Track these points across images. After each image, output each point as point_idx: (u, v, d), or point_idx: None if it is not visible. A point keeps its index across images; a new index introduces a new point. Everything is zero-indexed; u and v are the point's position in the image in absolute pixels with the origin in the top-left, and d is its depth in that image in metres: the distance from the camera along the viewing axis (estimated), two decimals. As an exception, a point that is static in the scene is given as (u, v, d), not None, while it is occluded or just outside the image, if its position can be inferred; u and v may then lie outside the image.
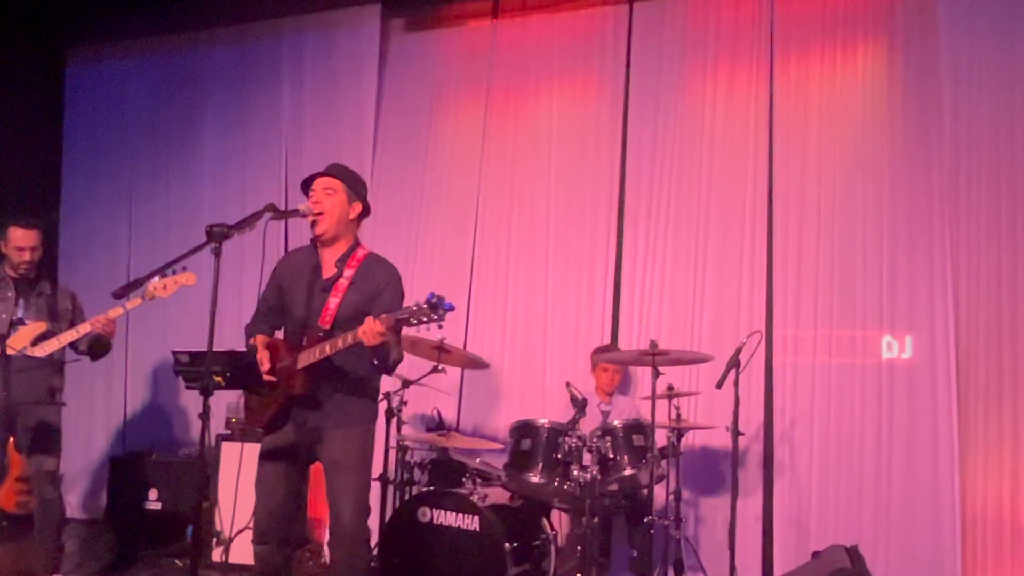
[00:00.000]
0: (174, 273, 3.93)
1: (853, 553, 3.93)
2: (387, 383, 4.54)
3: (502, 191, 5.41)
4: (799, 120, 4.86)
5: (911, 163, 4.63)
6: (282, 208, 3.18)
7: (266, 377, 3.06)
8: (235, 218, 2.85)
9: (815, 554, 4.24)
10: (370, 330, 2.87)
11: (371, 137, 5.67)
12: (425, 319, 2.79)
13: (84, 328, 4.04)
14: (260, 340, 3.22)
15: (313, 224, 3.20)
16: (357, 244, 3.29)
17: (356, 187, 3.30)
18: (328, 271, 3.21)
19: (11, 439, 4.22)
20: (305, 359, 3.07)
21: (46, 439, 4.15)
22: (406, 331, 5.04)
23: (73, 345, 4.13)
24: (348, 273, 3.17)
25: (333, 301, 3.14)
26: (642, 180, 5.11)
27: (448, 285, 5.40)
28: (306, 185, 3.32)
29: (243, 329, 3.37)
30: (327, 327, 3.08)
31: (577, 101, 5.34)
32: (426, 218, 5.54)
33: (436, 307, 2.77)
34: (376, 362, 3.08)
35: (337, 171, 3.29)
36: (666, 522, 4.22)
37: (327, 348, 3.02)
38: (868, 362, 4.60)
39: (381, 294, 3.17)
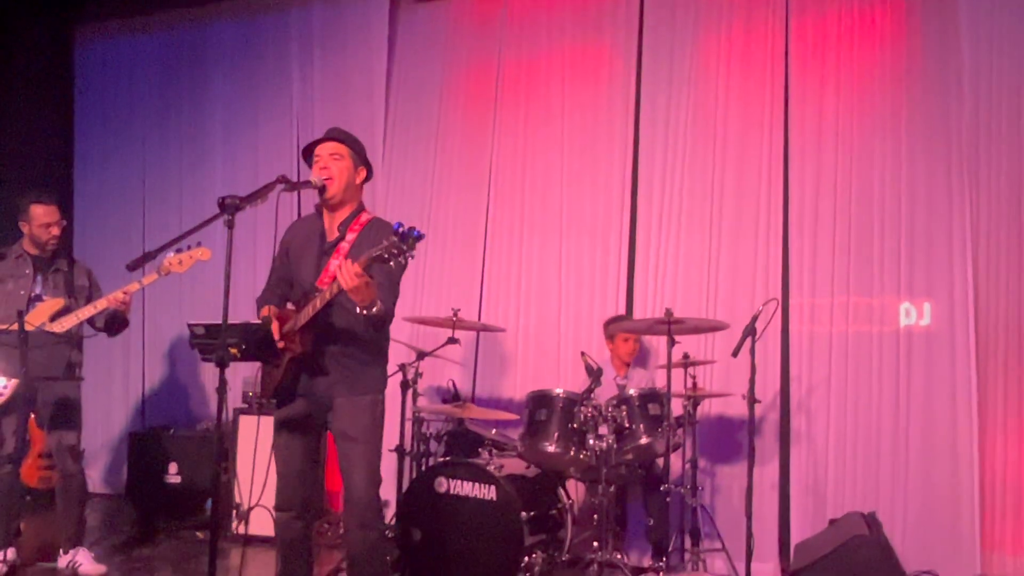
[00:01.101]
0: (189, 248, 3.95)
1: (871, 520, 3.92)
2: (402, 354, 4.57)
3: (514, 160, 5.36)
4: (815, 84, 4.78)
5: (930, 127, 4.55)
6: (293, 180, 3.17)
7: (279, 346, 3.06)
8: (247, 191, 2.83)
9: (832, 521, 4.23)
10: (346, 270, 2.82)
11: (382, 108, 5.63)
12: (396, 251, 2.75)
13: (101, 304, 4.06)
14: (270, 311, 3.24)
15: (322, 190, 3.19)
16: (361, 208, 3.29)
17: (360, 151, 3.31)
18: (331, 235, 3.22)
19: (32, 415, 4.27)
20: (303, 317, 3.07)
21: (66, 414, 4.19)
22: (424, 311, 5.04)
23: (91, 321, 4.15)
24: (350, 236, 3.16)
25: (333, 263, 3.13)
26: (656, 147, 5.05)
27: (461, 256, 5.40)
28: (308, 152, 3.33)
29: (255, 303, 3.39)
30: (324, 288, 3.05)
31: (589, 68, 5.27)
32: (439, 189, 5.50)
33: (406, 237, 2.73)
34: (363, 313, 2.98)
35: (342, 135, 3.29)
36: (682, 490, 4.22)
37: (317, 302, 3.01)
38: (886, 329, 4.56)
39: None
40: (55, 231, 4.25)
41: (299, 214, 5.57)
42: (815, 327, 4.67)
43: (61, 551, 4.24)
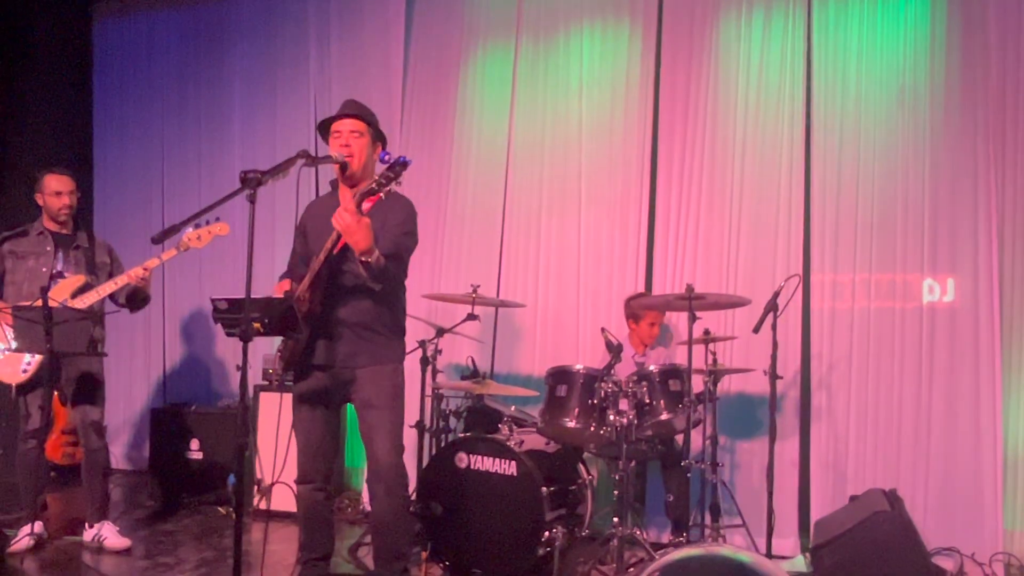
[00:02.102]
0: (207, 223, 3.97)
1: (892, 496, 3.91)
2: (421, 331, 4.57)
3: (533, 138, 5.32)
4: (838, 58, 4.71)
5: (955, 101, 4.48)
6: (313, 155, 3.18)
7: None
8: (265, 167, 2.84)
9: (853, 498, 4.22)
10: (339, 211, 2.93)
11: (400, 86, 5.60)
12: (384, 181, 2.86)
13: (121, 280, 4.09)
14: (283, 283, 3.27)
15: (344, 167, 3.21)
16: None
17: (378, 126, 3.34)
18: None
19: (55, 392, 4.31)
20: (308, 276, 3.12)
21: (89, 390, 4.23)
22: (443, 289, 5.03)
23: (112, 297, 4.18)
24: (365, 207, 3.16)
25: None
26: (675, 123, 5.00)
27: (480, 233, 5.38)
28: (324, 126, 3.34)
29: (276, 279, 3.41)
30: (336, 254, 3.11)
31: (609, 45, 5.21)
32: (457, 166, 5.48)
33: (393, 165, 2.84)
34: (363, 261, 3.00)
35: (362, 112, 3.32)
36: (702, 466, 4.22)
37: (321, 256, 3.08)
38: (908, 306, 4.52)
39: (390, 220, 3.19)
40: (66, 200, 4.26)
41: (316, 189, 5.57)
42: (837, 303, 4.63)
43: (86, 525, 4.30)
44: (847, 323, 4.61)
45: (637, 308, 4.64)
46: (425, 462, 4.39)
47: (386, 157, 2.83)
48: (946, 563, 4.11)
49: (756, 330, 4.08)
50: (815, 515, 4.46)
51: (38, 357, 4.02)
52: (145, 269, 4.05)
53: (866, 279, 4.59)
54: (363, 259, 2.99)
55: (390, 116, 5.50)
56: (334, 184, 3.40)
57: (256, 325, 2.79)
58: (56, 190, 4.24)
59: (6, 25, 5.98)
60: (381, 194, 2.93)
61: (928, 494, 4.39)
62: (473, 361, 4.78)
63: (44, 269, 4.22)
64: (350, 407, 3.41)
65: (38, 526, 4.21)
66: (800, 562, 4.32)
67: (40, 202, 4.30)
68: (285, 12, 6.02)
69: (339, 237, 3.02)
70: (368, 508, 4.83)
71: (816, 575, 3.76)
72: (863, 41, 4.68)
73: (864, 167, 4.63)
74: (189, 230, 4.00)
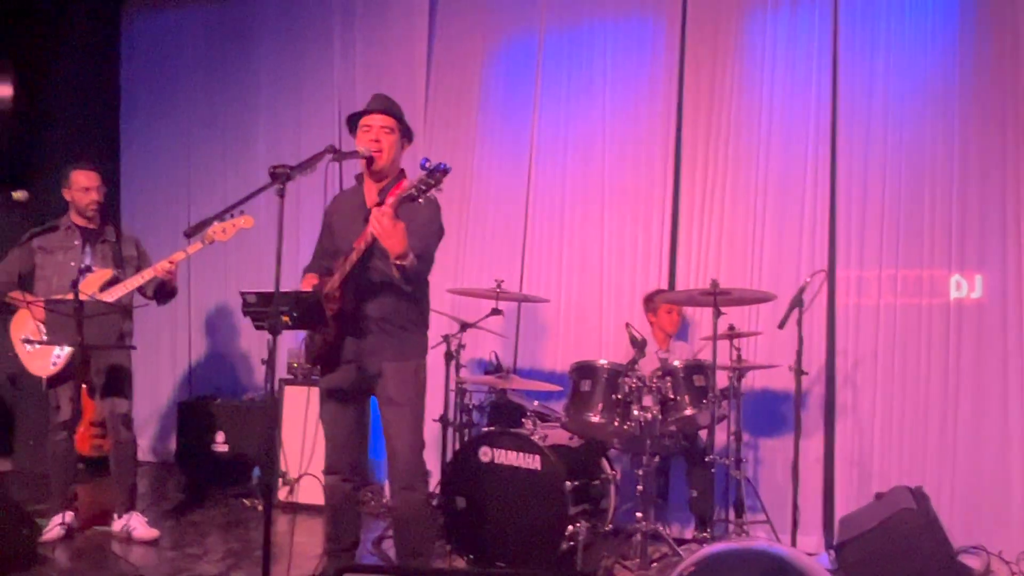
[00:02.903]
0: (232, 216, 3.99)
1: (918, 494, 3.88)
2: (445, 325, 4.59)
3: (556, 132, 5.33)
4: (865, 52, 4.67)
5: (984, 95, 4.42)
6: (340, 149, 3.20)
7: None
8: (290, 161, 2.87)
9: (878, 495, 4.19)
10: (376, 216, 2.91)
11: (423, 80, 5.62)
12: (425, 187, 2.85)
13: (148, 274, 4.14)
14: (310, 277, 3.29)
15: (371, 161, 3.23)
16: (402, 175, 3.35)
17: (406, 123, 3.36)
18: (371, 202, 3.27)
19: (84, 384, 4.37)
20: (339, 275, 3.15)
21: (118, 382, 4.28)
22: (466, 283, 5.04)
23: (140, 290, 4.23)
24: (390, 201, 3.17)
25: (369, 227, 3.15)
26: (699, 117, 4.99)
27: (503, 228, 5.39)
28: (352, 119, 3.35)
29: (300, 272, 3.44)
30: (359, 247, 3.13)
31: (632, 40, 5.20)
32: (480, 160, 5.49)
33: (432, 172, 2.82)
34: (396, 263, 3.01)
35: (392, 108, 3.33)
36: (726, 462, 4.21)
37: (353, 256, 3.09)
38: (935, 302, 4.48)
39: (416, 219, 3.16)
40: (94, 196, 4.31)
41: (340, 183, 5.59)
42: (863, 299, 4.60)
43: (115, 515, 4.36)
44: (873, 319, 4.57)
45: (656, 302, 4.64)
46: (449, 456, 4.40)
47: (427, 163, 2.81)
48: (972, 562, 4.07)
49: (781, 326, 4.06)
50: (840, 512, 4.44)
51: (68, 350, 4.07)
52: (171, 262, 4.09)
53: (892, 275, 4.55)
54: (397, 262, 3.01)
55: (414, 111, 5.51)
56: (359, 178, 3.42)
57: (284, 319, 2.82)
58: (84, 186, 4.29)
59: (36, 21, 6.05)
60: (421, 200, 2.93)
61: (954, 492, 4.35)
62: (496, 356, 4.79)
63: (72, 264, 4.27)
64: (374, 400, 3.44)
65: (69, 516, 4.27)
66: (824, 559, 4.30)
67: (68, 197, 4.35)
68: (310, 8, 6.06)
69: (373, 238, 3.01)
70: (390, 502, 4.89)
71: (841, 572, 3.74)
72: (891, 35, 4.64)
73: (891, 162, 4.59)
74: (215, 223, 4.03)
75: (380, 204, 3.20)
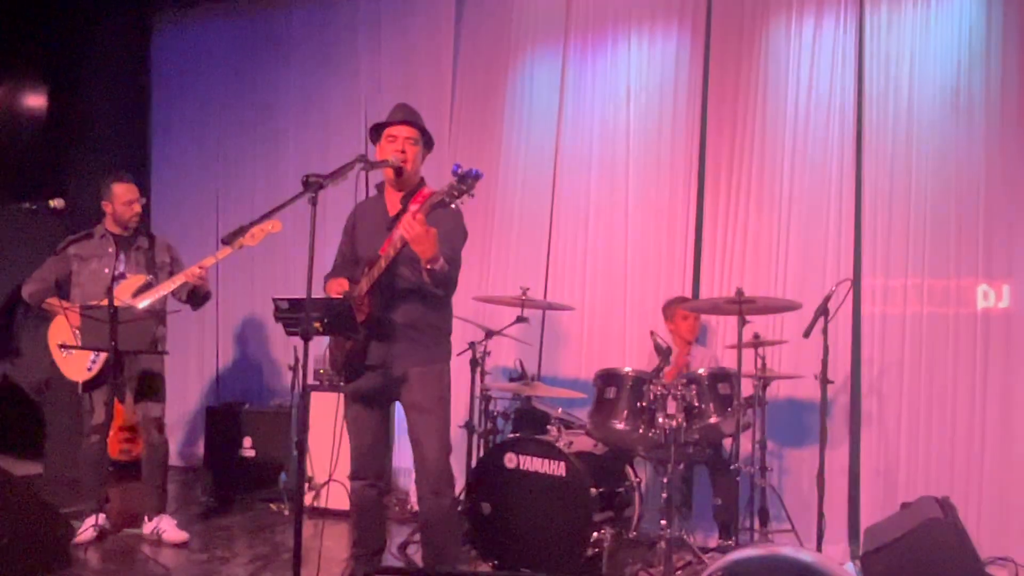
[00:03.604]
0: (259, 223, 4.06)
1: (945, 504, 3.85)
2: (470, 333, 4.63)
3: (581, 140, 5.37)
4: (891, 61, 4.68)
5: (1012, 104, 4.41)
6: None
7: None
8: (317, 169, 2.94)
9: (904, 505, 4.17)
10: (408, 221, 2.96)
11: (449, 88, 5.69)
12: (457, 193, 2.89)
13: (179, 279, 4.21)
14: (336, 283, 3.34)
15: (399, 171, 3.28)
16: (422, 183, 3.42)
17: (428, 132, 3.42)
18: (394, 209, 3.35)
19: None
20: (366, 281, 3.20)
21: (151, 387, 4.36)
22: (491, 292, 5.08)
23: (175, 295, 4.31)
24: (412, 208, 3.24)
25: (396, 233, 3.20)
26: (724, 126, 5.01)
27: (528, 236, 5.43)
28: (376, 129, 3.40)
29: (323, 279, 3.49)
30: (382, 254, 3.20)
31: (657, 49, 5.24)
32: (505, 169, 5.55)
33: (464, 177, 2.87)
34: (427, 268, 3.08)
35: (417, 120, 3.40)
36: (751, 471, 4.20)
37: (382, 263, 3.14)
38: (962, 312, 4.46)
39: (441, 227, 3.20)
40: (136, 208, 4.41)
41: (367, 191, 5.65)
42: (888, 308, 4.59)
43: (145, 518, 4.43)
44: (899, 329, 4.56)
45: (672, 310, 4.66)
46: (474, 462, 4.44)
47: (459, 169, 2.86)
48: (1000, 573, 4.05)
49: (807, 334, 4.06)
50: (865, 522, 4.42)
51: (103, 355, 4.15)
52: (201, 268, 4.16)
53: (919, 284, 4.54)
54: (428, 266, 3.06)
55: (439, 120, 5.60)
56: (380, 187, 3.48)
57: (316, 324, 2.88)
58: (127, 199, 4.38)
59: (69, 34, 6.19)
60: (453, 205, 2.97)
61: (982, 502, 4.32)
62: (521, 363, 4.82)
63: (107, 270, 4.35)
64: (398, 406, 3.48)
65: (101, 518, 4.34)
66: (850, 569, 4.28)
67: (108, 209, 4.43)
68: (337, 21, 6.15)
69: (400, 245, 3.06)
70: (415, 507, 4.92)
71: (867, 582, 3.72)
72: (916, 44, 4.65)
73: (917, 171, 4.58)
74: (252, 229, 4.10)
75: (403, 210, 3.28)
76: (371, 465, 3.42)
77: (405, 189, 3.37)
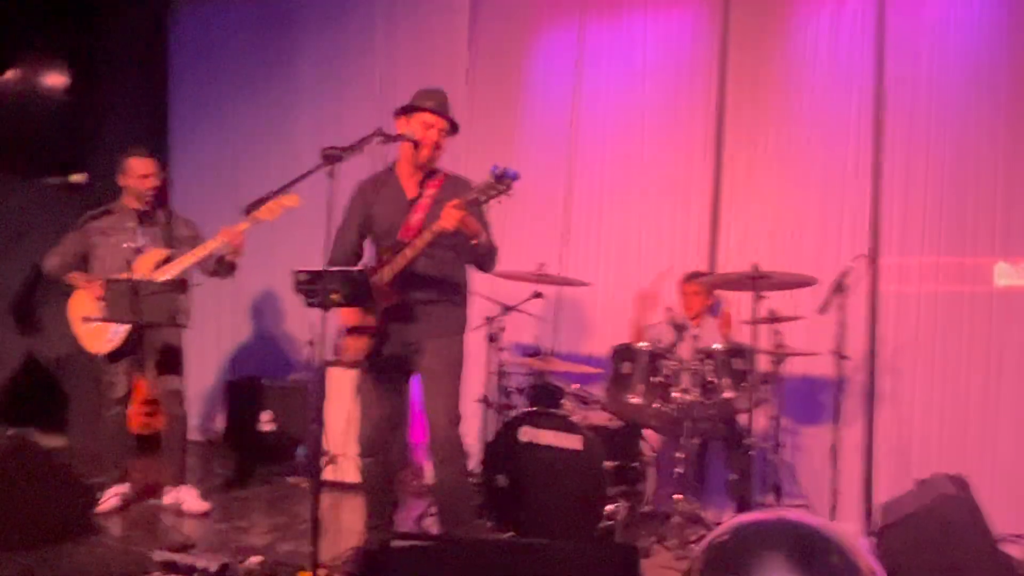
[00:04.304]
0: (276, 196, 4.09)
1: (959, 481, 3.86)
2: (486, 308, 4.66)
3: (596, 119, 5.35)
4: (911, 37, 4.63)
5: (1032, 78, 4.38)
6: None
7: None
8: (334, 145, 2.96)
9: (919, 481, 4.18)
10: (447, 213, 3.03)
11: (464, 68, 5.68)
12: (494, 192, 2.96)
13: (200, 251, 4.22)
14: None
15: (416, 145, 3.34)
16: (437, 167, 3.50)
17: (456, 124, 3.50)
18: (411, 192, 3.41)
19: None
20: (390, 270, 3.24)
21: (172, 360, 4.42)
22: (507, 266, 5.11)
23: (202, 267, 4.35)
24: (430, 192, 3.35)
25: (415, 217, 3.33)
26: (742, 103, 4.98)
27: (543, 214, 5.44)
28: (408, 110, 3.42)
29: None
30: (407, 240, 3.26)
31: (674, 25, 5.21)
32: (520, 148, 5.54)
33: (502, 177, 2.92)
34: (476, 250, 3.23)
35: (448, 111, 3.45)
36: (765, 446, 4.22)
37: (407, 252, 3.20)
38: (979, 290, 4.44)
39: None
40: (152, 182, 4.42)
41: (383, 163, 5.66)
42: (905, 286, 4.58)
43: (166, 489, 4.51)
44: (915, 306, 4.55)
45: (683, 286, 4.66)
46: (490, 436, 4.48)
47: (496, 170, 2.91)
48: (1013, 550, 4.04)
49: (823, 311, 4.06)
50: (879, 499, 4.43)
51: (124, 327, 4.21)
52: (237, 231, 4.16)
53: (935, 262, 4.53)
54: (475, 242, 3.21)
55: (455, 96, 5.53)
56: (392, 167, 3.50)
57: (335, 296, 2.92)
58: (142, 173, 4.41)
59: (88, 13, 6.21)
60: (443, 177, 3.00)
61: (995, 480, 4.32)
62: (537, 339, 4.85)
63: (126, 245, 4.39)
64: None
65: (123, 489, 4.43)
66: (858, 540, 4.30)
67: (123, 184, 4.47)
68: (353, 1, 6.14)
69: (431, 237, 3.13)
70: (430, 481, 4.97)
71: (880, 558, 3.74)
72: (937, 19, 4.59)
73: (935, 147, 4.55)
74: (270, 201, 4.14)
75: (420, 195, 3.38)
76: (382, 441, 3.46)
77: (422, 172, 3.41)
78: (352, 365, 4.23)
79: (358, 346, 3.38)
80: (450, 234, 3.11)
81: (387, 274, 3.26)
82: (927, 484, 4.03)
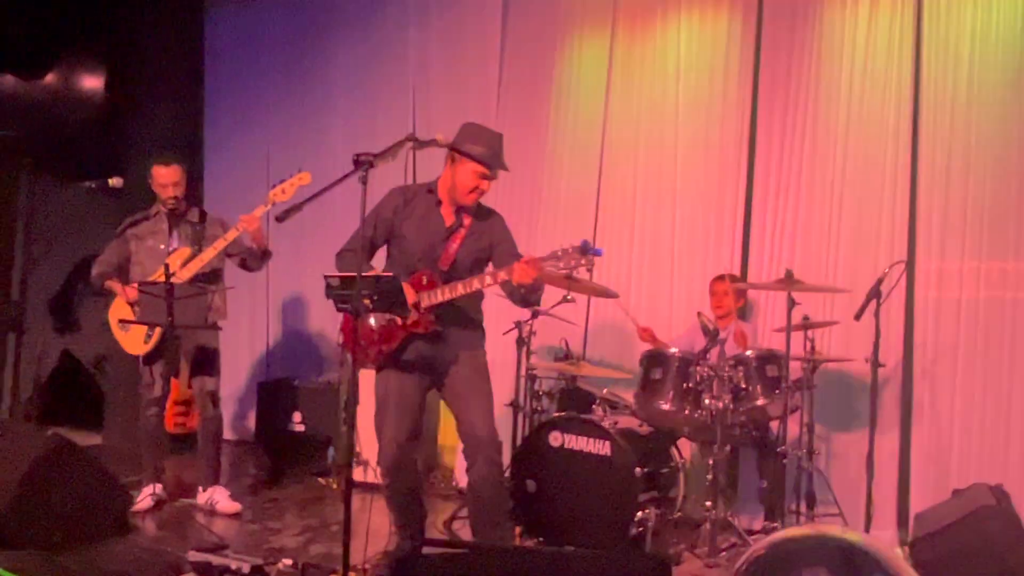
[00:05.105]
0: (289, 177, 4.22)
1: (998, 492, 3.78)
2: (516, 312, 4.65)
3: (628, 124, 5.32)
4: (950, 39, 4.54)
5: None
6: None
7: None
8: (365, 148, 3.00)
9: (956, 491, 4.10)
10: (522, 271, 3.14)
11: (497, 68, 5.68)
12: (574, 263, 3.06)
13: (219, 244, 4.26)
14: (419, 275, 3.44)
15: (468, 202, 3.45)
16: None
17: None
18: (448, 219, 3.47)
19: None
20: (430, 299, 3.31)
21: (207, 361, 4.48)
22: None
23: (230, 257, 4.40)
24: (466, 222, 3.46)
25: (453, 246, 3.42)
26: (775, 107, 4.92)
27: (574, 219, 5.42)
28: (459, 151, 3.42)
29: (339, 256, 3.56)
30: (446, 269, 3.39)
31: (707, 28, 5.16)
32: (551, 153, 5.52)
33: (585, 251, 3.04)
34: (526, 299, 3.38)
35: (500, 160, 3.47)
36: (798, 454, 4.17)
37: (459, 288, 3.28)
38: (1020, 296, 4.35)
39: (503, 241, 3.51)
40: (170, 192, 4.45)
41: (414, 169, 5.67)
42: (943, 292, 4.49)
43: (200, 488, 4.56)
44: (954, 313, 4.46)
45: (712, 286, 4.64)
46: (519, 441, 4.47)
47: (584, 244, 3.05)
48: (1054, 563, 3.96)
49: (858, 317, 4.01)
50: (915, 508, 4.36)
51: (158, 329, 4.27)
52: (254, 216, 4.23)
53: (975, 267, 4.43)
54: (533, 297, 3.38)
55: (486, 100, 5.61)
56: (432, 186, 3.54)
57: (366, 301, 2.94)
58: (161, 182, 4.45)
59: (125, 17, 6.31)
60: (566, 265, 3.11)
61: (1036, 491, 4.23)
62: (567, 343, 4.83)
63: (161, 247, 4.47)
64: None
65: (158, 488, 4.49)
66: (899, 555, 4.24)
67: (153, 188, 4.55)
68: (386, 5, 6.17)
69: (497, 283, 3.27)
70: (459, 484, 4.98)
71: (915, 569, 3.68)
72: (977, 21, 4.50)
73: (976, 152, 4.46)
74: (275, 185, 4.20)
75: (459, 224, 3.45)
76: (402, 460, 3.48)
77: (461, 208, 3.50)
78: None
79: (375, 346, 3.42)
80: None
81: (427, 299, 3.32)
82: (965, 494, 3.96)
